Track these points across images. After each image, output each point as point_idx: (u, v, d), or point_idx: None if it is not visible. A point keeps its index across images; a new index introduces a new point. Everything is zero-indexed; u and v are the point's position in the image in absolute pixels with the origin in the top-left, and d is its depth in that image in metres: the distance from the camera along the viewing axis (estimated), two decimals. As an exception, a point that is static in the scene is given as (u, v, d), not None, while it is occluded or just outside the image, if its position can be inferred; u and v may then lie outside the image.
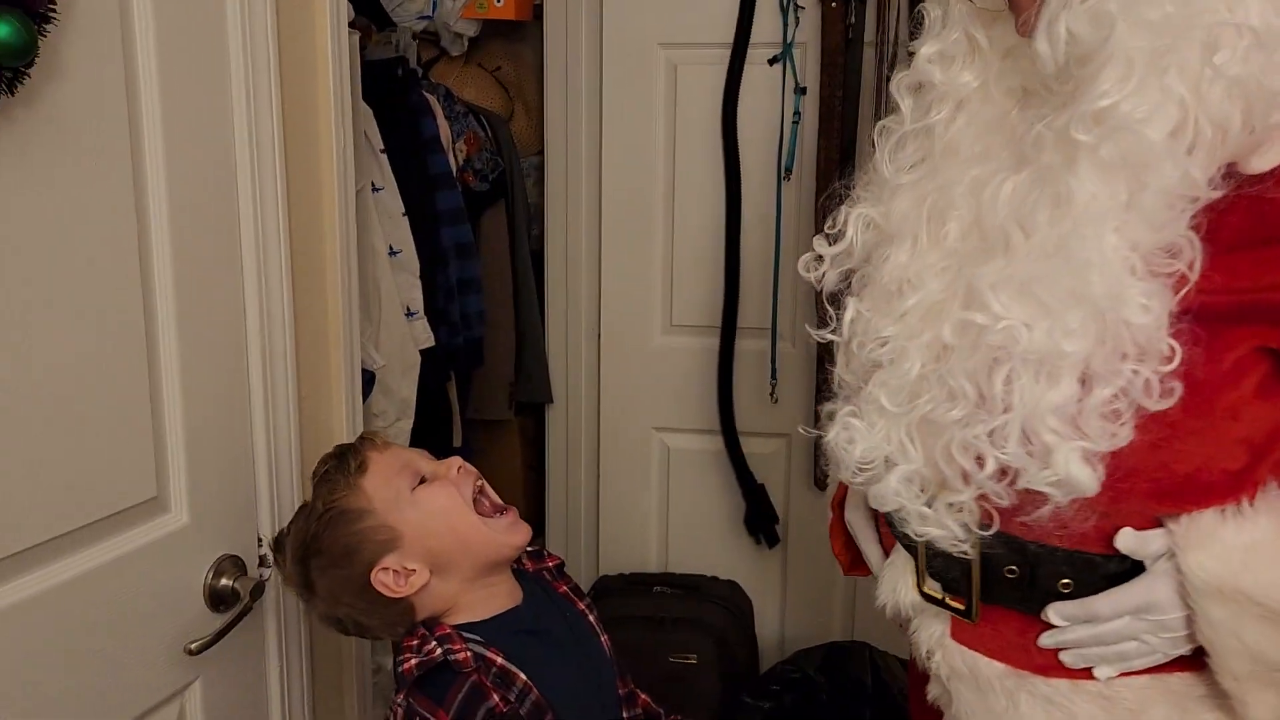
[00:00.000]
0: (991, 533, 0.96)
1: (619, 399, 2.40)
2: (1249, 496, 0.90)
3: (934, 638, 1.05)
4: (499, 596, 1.14)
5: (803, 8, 2.12)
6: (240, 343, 1.22)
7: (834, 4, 2.08)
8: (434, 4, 2.19)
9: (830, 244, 1.09)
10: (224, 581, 1.21)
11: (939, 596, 1.04)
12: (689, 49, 2.20)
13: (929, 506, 0.97)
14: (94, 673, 1.06)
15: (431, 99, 2.07)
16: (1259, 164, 0.88)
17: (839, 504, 1.24)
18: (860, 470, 1.00)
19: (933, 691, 1.10)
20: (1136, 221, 0.88)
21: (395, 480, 1.09)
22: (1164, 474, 0.90)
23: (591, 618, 1.24)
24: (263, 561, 1.28)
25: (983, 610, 1.01)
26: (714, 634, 2.20)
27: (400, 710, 1.06)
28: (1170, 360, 0.86)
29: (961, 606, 1.02)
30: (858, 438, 1.00)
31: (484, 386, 2.33)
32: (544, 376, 2.40)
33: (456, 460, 1.14)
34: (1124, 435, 0.87)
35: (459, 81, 2.36)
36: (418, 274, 1.96)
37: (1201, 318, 0.87)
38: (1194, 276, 0.86)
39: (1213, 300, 0.87)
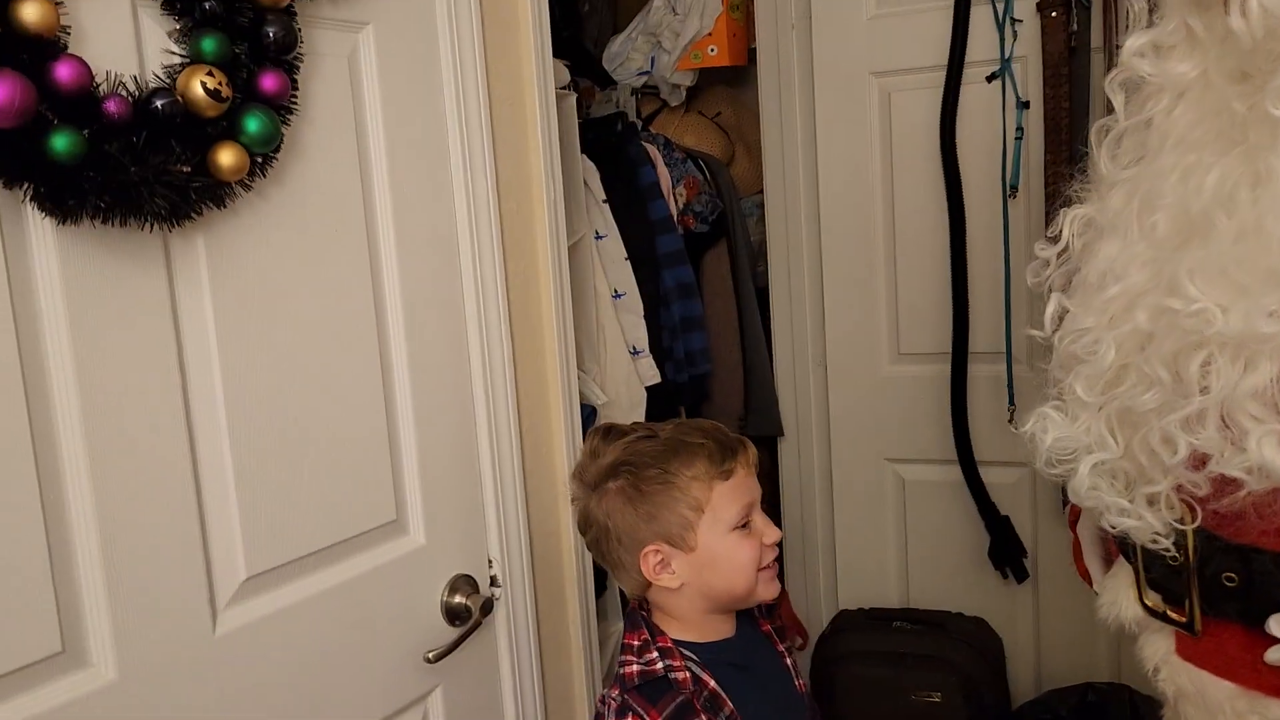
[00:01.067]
0: (1194, 527, 0.91)
1: (849, 431, 2.38)
2: None
3: (1159, 654, 1.02)
4: (720, 626, 1.18)
5: (1020, 20, 2.06)
6: (466, 385, 1.35)
7: (1055, 13, 2.00)
8: (652, 60, 2.31)
9: (1052, 246, 1.09)
10: (458, 599, 1.34)
11: (1160, 610, 1.00)
12: (901, 75, 2.19)
13: (1128, 500, 0.93)
14: (346, 674, 1.20)
15: (650, 148, 2.18)
16: None
17: (1074, 524, 1.20)
18: (1057, 462, 0.99)
19: (1166, 717, 1.03)
20: None
21: (733, 506, 1.13)
22: None
23: (788, 660, 1.26)
24: (493, 581, 1.40)
25: (1205, 624, 0.96)
26: (959, 672, 2.11)
27: (615, 704, 1.12)
28: None
29: (1183, 619, 0.97)
30: (1051, 428, 0.99)
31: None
32: (773, 410, 2.43)
33: (778, 534, 1.18)
34: None
35: (679, 129, 2.47)
36: (642, 314, 2.06)
37: None
38: None
39: None
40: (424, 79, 1.28)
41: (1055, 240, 1.07)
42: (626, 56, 2.37)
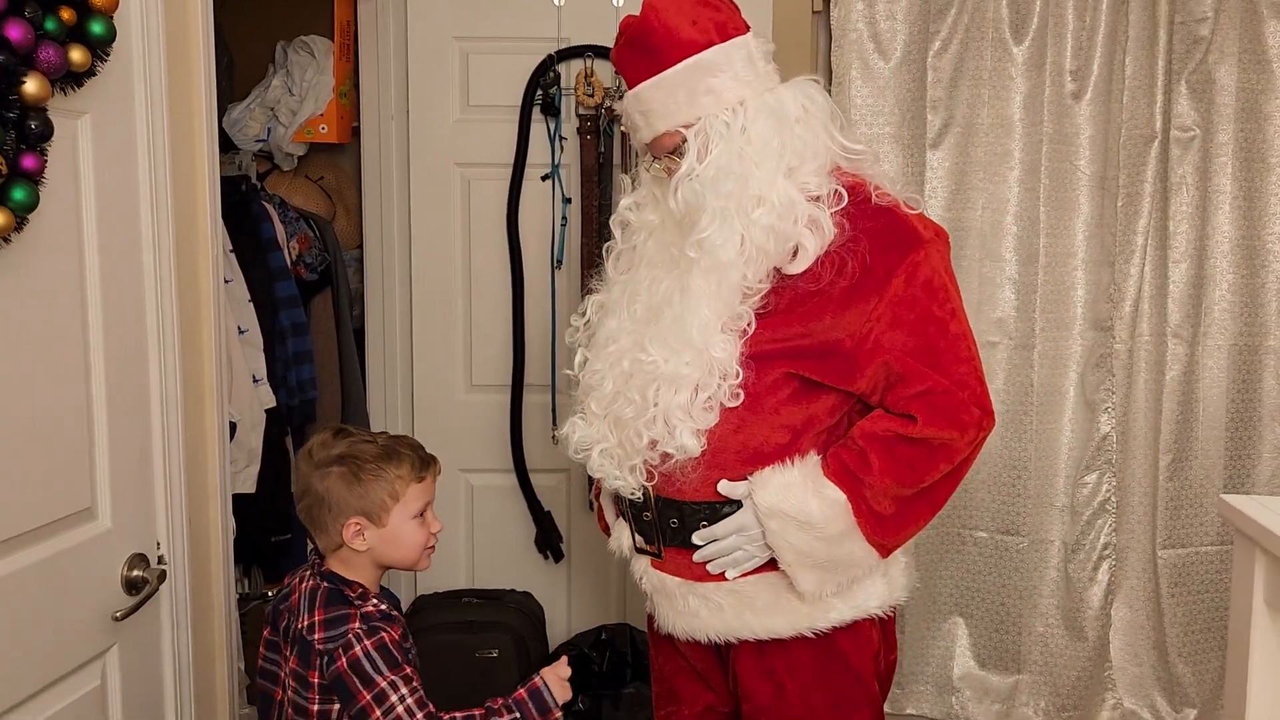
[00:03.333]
0: (653, 483, 1.59)
1: (430, 447, 2.88)
2: (791, 458, 1.56)
3: (643, 568, 1.70)
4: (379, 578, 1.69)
5: (565, 138, 2.77)
6: (145, 398, 1.70)
7: (589, 136, 2.73)
8: (268, 130, 2.71)
9: (581, 318, 1.74)
10: (135, 573, 1.66)
11: (642, 546, 1.67)
12: (479, 168, 2.80)
13: (618, 471, 1.60)
14: (38, 636, 1.50)
15: (269, 207, 2.58)
16: (792, 269, 1.55)
17: (598, 495, 1.85)
18: (579, 451, 1.63)
19: (647, 607, 1.70)
20: (720, 302, 1.54)
21: (417, 502, 1.62)
22: (741, 446, 1.56)
23: None
24: (160, 560, 1.74)
25: (665, 550, 1.64)
26: (512, 633, 2.72)
27: (364, 631, 1.54)
28: (737, 379, 1.52)
29: (654, 550, 1.65)
30: (577, 430, 1.63)
31: (315, 440, 2.81)
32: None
33: (440, 526, 1.68)
34: (714, 419, 1.52)
35: (289, 190, 2.88)
36: (262, 348, 2.45)
37: (756, 356, 1.54)
38: (750, 331, 1.52)
39: (762, 346, 1.54)
40: (124, 157, 1.63)
41: (582, 315, 1.73)
42: (245, 124, 2.73)
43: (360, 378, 2.88)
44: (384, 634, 1.55)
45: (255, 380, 2.42)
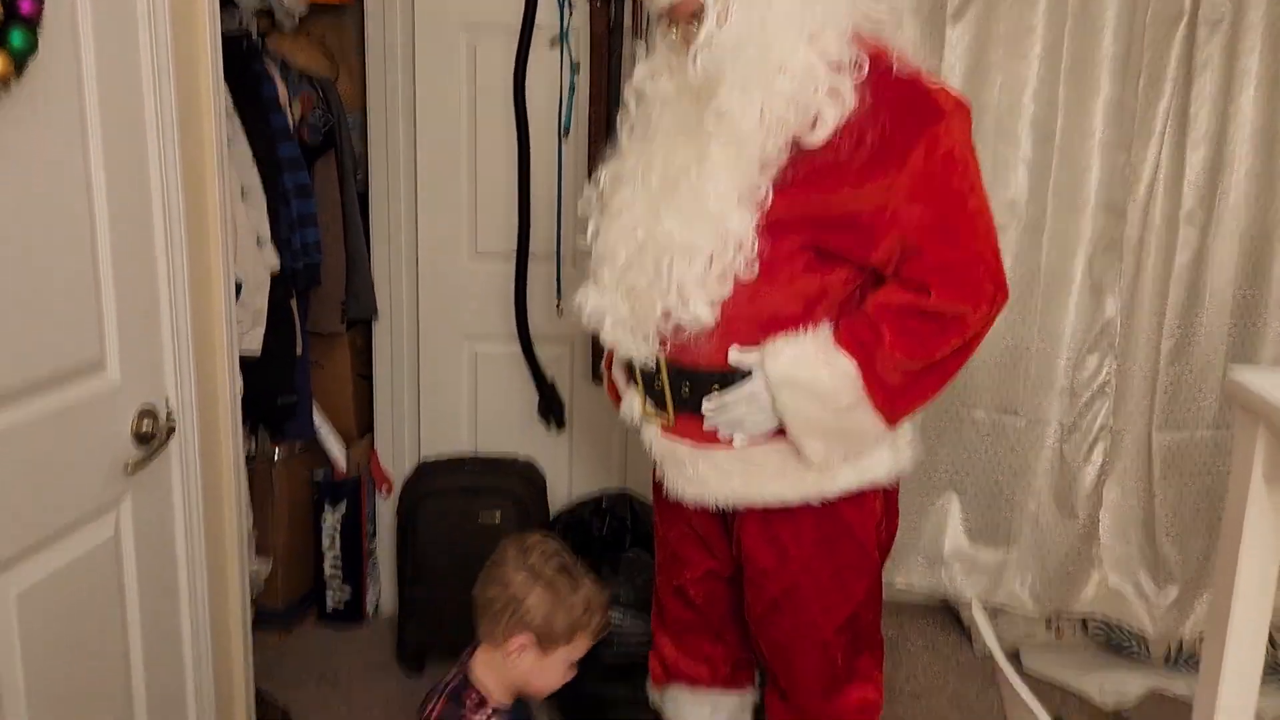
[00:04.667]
0: (667, 352, 1.60)
1: (434, 314, 2.92)
2: (804, 328, 1.56)
3: (652, 435, 1.73)
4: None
5: (574, 2, 2.68)
6: (152, 261, 1.69)
7: (599, 3, 2.64)
8: (269, -16, 2.61)
9: (594, 188, 1.72)
10: (145, 426, 1.69)
11: (653, 414, 1.69)
12: (485, 28, 2.72)
13: (633, 340, 1.61)
14: (53, 485, 1.53)
15: (270, 67, 2.52)
16: (811, 140, 1.52)
17: (609, 365, 1.86)
18: (592, 320, 1.65)
19: (657, 475, 1.73)
20: (738, 173, 1.51)
21: (577, 654, 1.69)
22: (754, 316, 1.56)
23: None
24: (169, 416, 1.76)
25: (676, 417, 1.66)
26: (514, 498, 2.78)
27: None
28: (753, 250, 1.51)
29: (664, 417, 1.67)
30: (590, 299, 1.64)
31: (320, 304, 2.81)
32: (370, 296, 2.90)
33: (574, 673, 1.72)
34: (728, 291, 1.52)
35: (291, 49, 2.79)
36: (265, 210, 2.42)
37: (772, 227, 1.52)
38: (768, 203, 1.51)
39: (778, 217, 1.52)
40: (123, 8, 1.58)
41: (596, 184, 1.71)
42: (245, -23, 2.64)
43: (364, 243, 2.86)
44: None
45: (259, 242, 2.41)
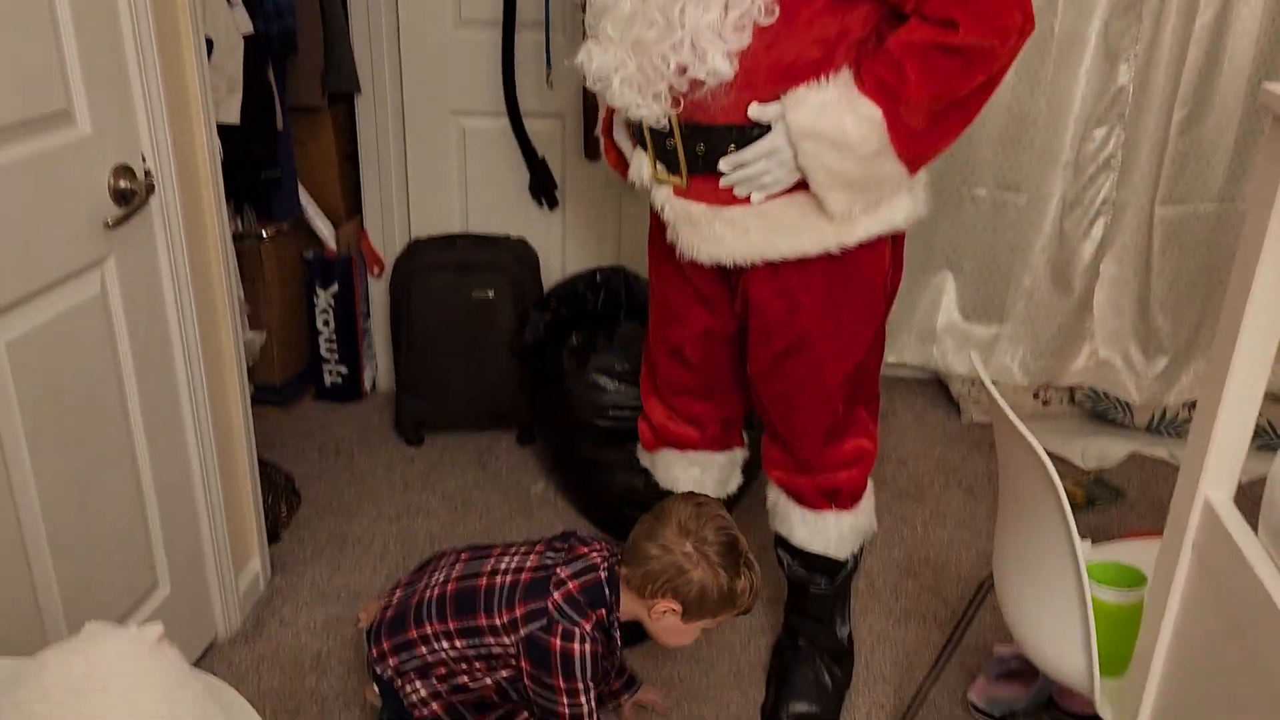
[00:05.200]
0: (678, 110, 1.53)
1: (419, 88, 2.81)
2: (825, 75, 1.49)
3: (664, 198, 1.66)
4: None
5: None
6: (113, 13, 1.59)
7: None
8: None
9: None
10: (123, 184, 1.64)
11: (665, 177, 1.63)
12: None
13: (641, 99, 1.52)
14: (34, 240, 1.50)
15: None
16: None
17: (608, 129, 1.79)
18: (597, 80, 1.55)
19: (668, 236, 1.69)
20: None
21: (713, 625, 1.67)
22: (773, 65, 1.48)
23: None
24: (147, 175, 1.71)
25: (690, 179, 1.60)
26: (508, 274, 2.76)
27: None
28: None
29: (677, 179, 1.61)
30: (594, 56, 1.54)
31: (298, 75, 2.68)
32: (350, 67, 2.77)
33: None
34: (746, 39, 1.43)
35: None
36: (233, -34, 2.27)
37: None
38: None
39: None
40: None
41: None
42: None
43: (342, 9, 2.71)
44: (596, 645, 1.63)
45: (230, 1, 2.27)
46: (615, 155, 1.82)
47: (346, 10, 2.74)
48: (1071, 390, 2.92)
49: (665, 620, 1.64)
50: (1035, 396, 2.93)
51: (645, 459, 2.10)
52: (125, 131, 1.66)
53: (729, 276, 1.72)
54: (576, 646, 1.59)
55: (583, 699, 1.61)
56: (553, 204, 2.90)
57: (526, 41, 2.73)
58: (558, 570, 1.66)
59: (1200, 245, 2.75)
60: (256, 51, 2.41)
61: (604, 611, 1.63)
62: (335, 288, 2.92)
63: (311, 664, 2.04)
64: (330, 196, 2.94)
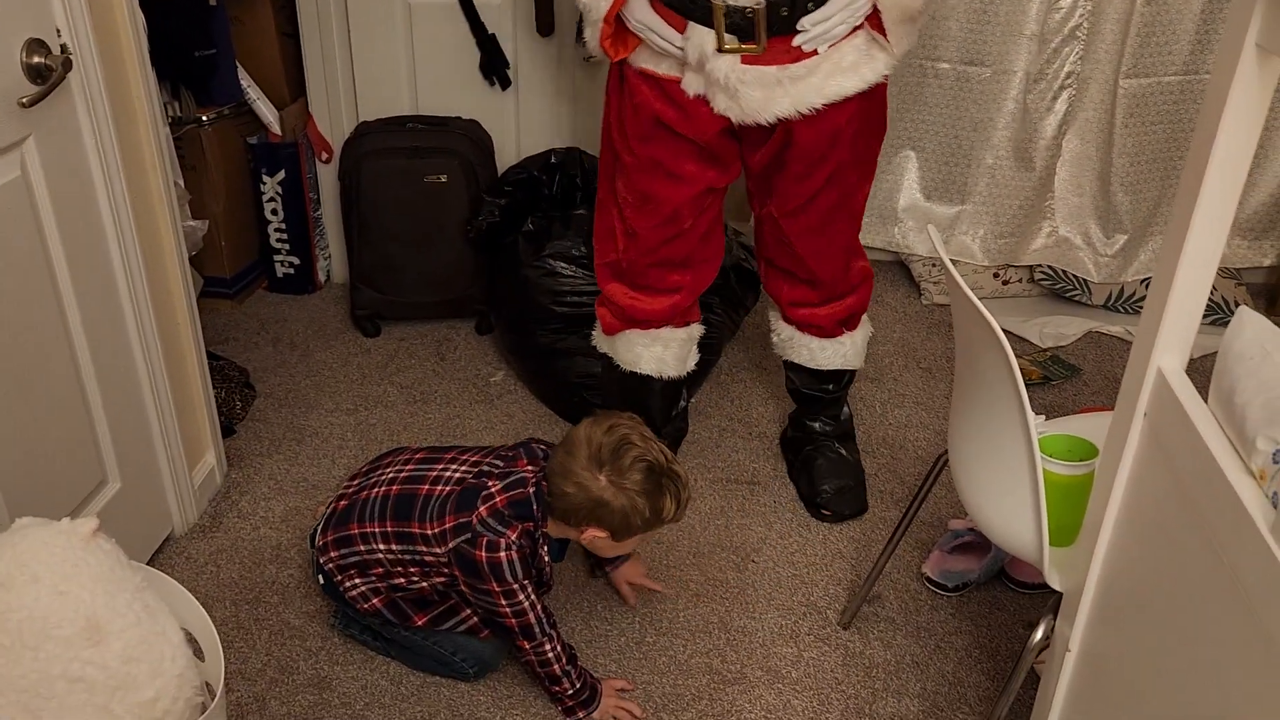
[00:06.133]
0: None
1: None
2: None
3: (729, 66, 1.69)
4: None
5: None
6: None
7: None
8: None
9: None
10: (36, 59, 1.54)
11: (734, 47, 1.67)
12: None
13: None
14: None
15: None
16: None
17: (614, 18, 1.75)
18: None
19: (719, 106, 1.74)
20: None
21: (657, 532, 1.67)
22: None
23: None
24: (64, 50, 1.60)
25: (768, 42, 1.66)
26: (460, 158, 2.68)
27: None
28: None
29: (754, 46, 1.67)
30: None
31: (230, -54, 2.53)
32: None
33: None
34: None
35: None
36: None
37: None
38: None
39: None
40: None
41: None
42: None
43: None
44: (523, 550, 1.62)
45: None
46: (610, 39, 1.78)
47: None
48: (1031, 269, 2.91)
49: (596, 542, 1.67)
50: (995, 276, 2.92)
51: (604, 344, 2.10)
52: (34, 3, 1.55)
53: (745, 131, 1.80)
54: (502, 555, 1.59)
55: (520, 596, 1.62)
56: (505, 83, 2.80)
57: (472, -91, 2.59)
58: (489, 483, 1.65)
59: (1163, 119, 2.71)
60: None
61: (530, 524, 1.63)
62: (282, 174, 2.82)
63: (271, 555, 2.03)
64: (272, 78, 2.81)
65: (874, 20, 1.69)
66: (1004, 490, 1.36)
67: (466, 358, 2.69)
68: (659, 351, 2.04)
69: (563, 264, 2.37)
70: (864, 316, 2.12)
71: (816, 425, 2.22)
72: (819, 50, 1.68)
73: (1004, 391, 1.28)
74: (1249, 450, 0.94)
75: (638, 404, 2.08)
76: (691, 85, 1.75)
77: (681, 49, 1.71)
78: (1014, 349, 1.26)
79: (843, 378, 2.16)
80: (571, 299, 2.35)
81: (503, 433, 2.39)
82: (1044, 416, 1.42)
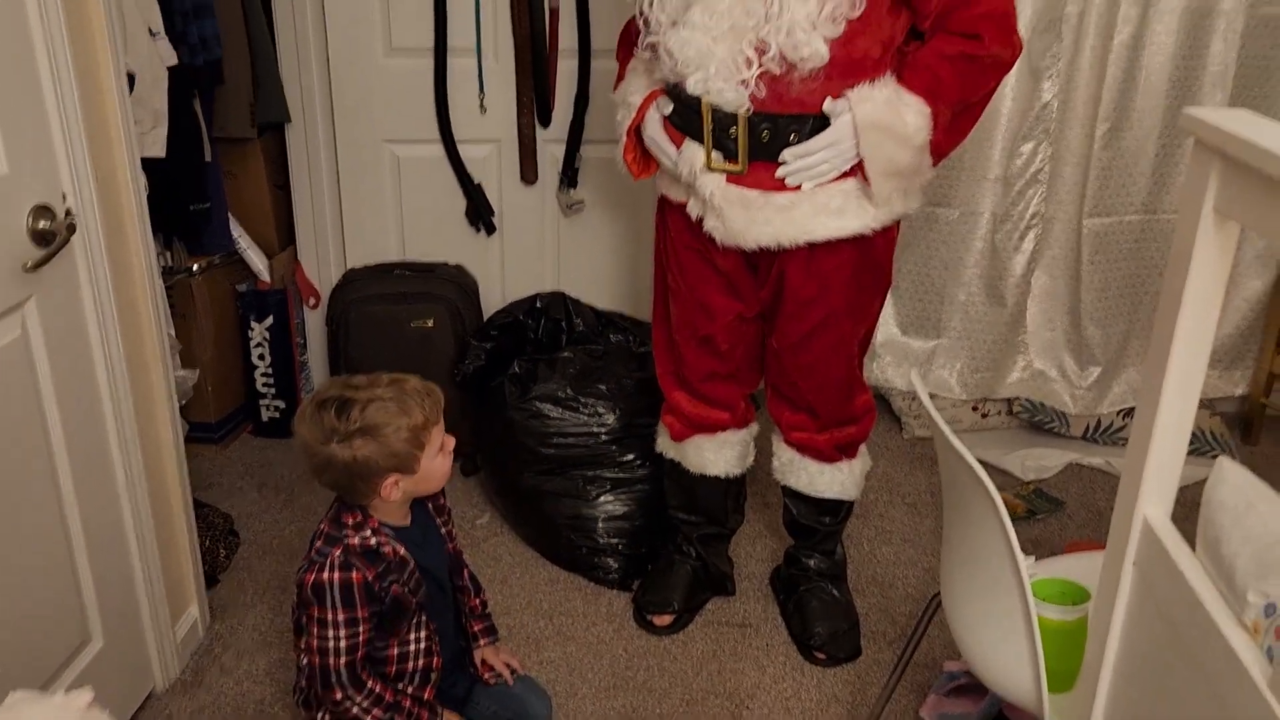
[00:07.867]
0: (763, 95, 1.68)
1: (350, 117, 2.77)
2: (880, 74, 1.68)
3: (715, 185, 1.78)
4: (406, 512, 1.65)
5: None
6: (28, 47, 1.54)
7: None
8: None
9: None
10: (42, 224, 1.59)
11: (720, 164, 1.76)
12: None
13: (723, 84, 1.68)
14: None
15: None
16: None
17: (634, 131, 1.90)
18: (684, 66, 1.69)
19: (708, 226, 1.81)
20: None
21: (438, 438, 1.58)
22: (845, 59, 1.65)
23: (442, 530, 1.75)
24: (68, 214, 1.65)
25: (750, 165, 1.74)
26: (446, 303, 2.73)
27: (338, 561, 1.53)
28: None
29: (736, 167, 1.75)
30: (689, 44, 1.67)
31: (226, 106, 2.63)
32: (280, 97, 2.72)
33: (453, 442, 1.62)
34: (838, 31, 1.61)
35: None
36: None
37: None
38: None
39: None
40: None
41: None
42: None
43: (269, 36, 2.67)
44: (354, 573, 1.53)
45: (152, 33, 2.21)
46: (634, 156, 1.94)
47: (275, 40, 2.69)
48: (1009, 402, 2.97)
49: (402, 487, 1.56)
50: (974, 409, 2.97)
51: (672, 449, 2.20)
52: (44, 171, 1.61)
53: (756, 264, 1.88)
54: (326, 575, 1.52)
55: (331, 632, 1.53)
56: (490, 229, 2.88)
57: (458, 68, 2.72)
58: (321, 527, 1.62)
59: (1127, 255, 2.82)
60: (182, 83, 2.35)
61: (351, 533, 1.55)
62: (270, 321, 2.86)
63: (255, 712, 1.98)
64: (263, 228, 2.88)
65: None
66: (999, 638, 1.36)
67: (452, 500, 2.66)
68: (726, 454, 2.13)
69: (549, 405, 2.39)
70: (863, 448, 2.14)
71: (812, 563, 2.22)
72: (805, 186, 1.74)
73: (993, 537, 1.30)
74: (1240, 603, 0.96)
75: (707, 503, 2.21)
76: (694, 208, 1.84)
77: (675, 164, 1.82)
78: (997, 482, 1.29)
79: (840, 510, 2.17)
80: (557, 441, 2.37)
81: (489, 576, 2.37)
82: (1034, 557, 1.43)
